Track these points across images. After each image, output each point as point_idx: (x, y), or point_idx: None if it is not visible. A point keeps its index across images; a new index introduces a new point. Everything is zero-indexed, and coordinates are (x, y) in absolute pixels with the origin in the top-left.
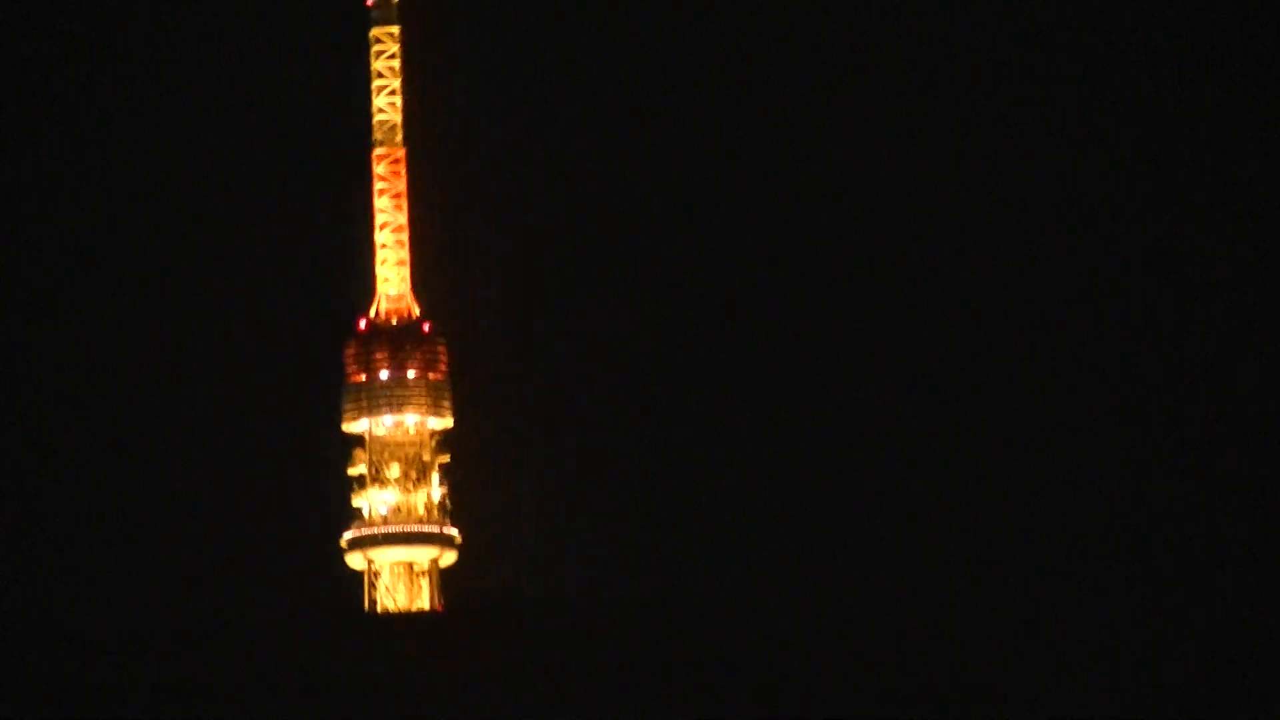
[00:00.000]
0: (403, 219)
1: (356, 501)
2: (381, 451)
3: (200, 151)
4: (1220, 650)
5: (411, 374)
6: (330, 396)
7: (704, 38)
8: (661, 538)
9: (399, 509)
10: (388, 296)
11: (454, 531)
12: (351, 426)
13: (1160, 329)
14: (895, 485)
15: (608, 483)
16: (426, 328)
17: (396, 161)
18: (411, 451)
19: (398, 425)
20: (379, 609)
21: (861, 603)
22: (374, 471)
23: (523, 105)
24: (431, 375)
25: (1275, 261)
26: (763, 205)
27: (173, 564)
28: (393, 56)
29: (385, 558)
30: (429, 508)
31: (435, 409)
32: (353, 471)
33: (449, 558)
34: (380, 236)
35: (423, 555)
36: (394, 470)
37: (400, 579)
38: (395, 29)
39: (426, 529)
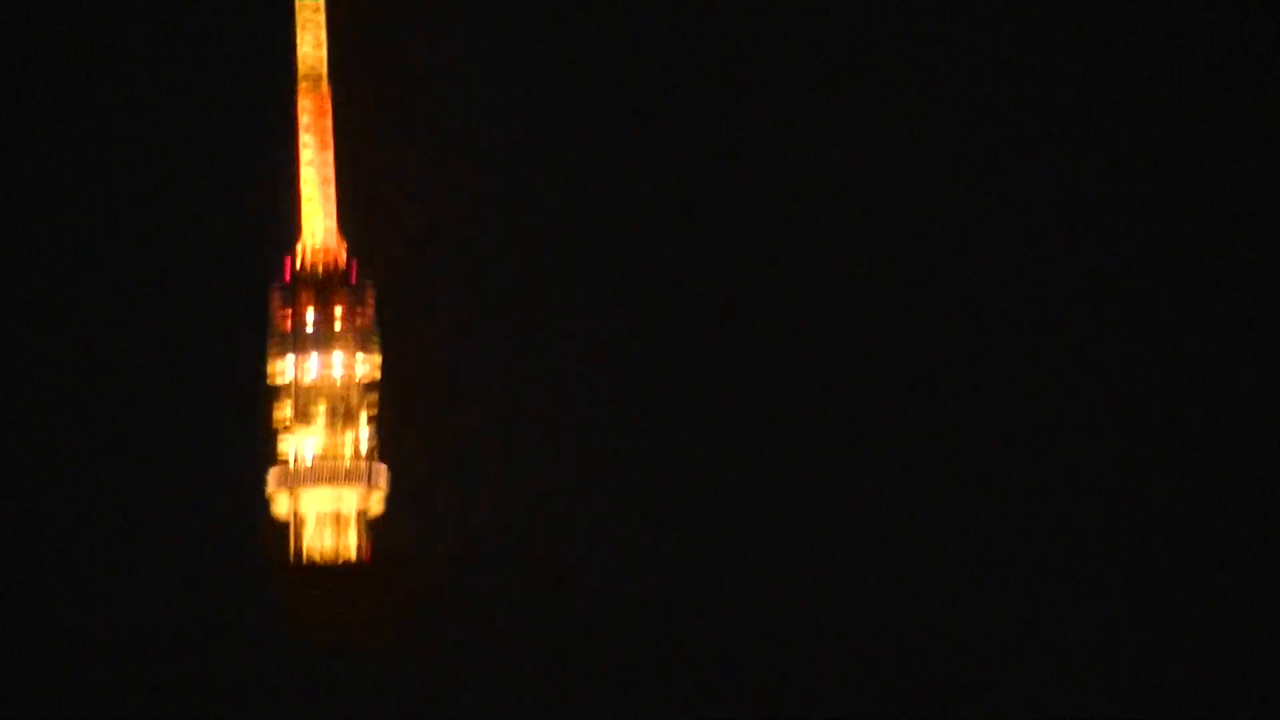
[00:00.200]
0: (329, 160)
1: (282, 447)
2: (308, 397)
3: (121, 94)
4: (1220, 650)
5: (338, 318)
6: (255, 343)
7: (704, 38)
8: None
9: (325, 454)
10: (313, 240)
11: (383, 475)
12: (277, 372)
13: (1160, 329)
14: (895, 485)
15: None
16: (354, 272)
17: (321, 101)
18: (339, 397)
19: (324, 371)
20: (305, 558)
21: (861, 603)
22: (300, 417)
23: (522, 105)
24: (359, 320)
25: (1275, 261)
26: (763, 205)
27: (95, 517)
28: None
29: (312, 504)
30: (356, 452)
31: (363, 354)
32: (278, 417)
33: (377, 506)
34: (306, 178)
35: (350, 502)
36: (320, 416)
37: (327, 526)
38: None
39: (353, 475)
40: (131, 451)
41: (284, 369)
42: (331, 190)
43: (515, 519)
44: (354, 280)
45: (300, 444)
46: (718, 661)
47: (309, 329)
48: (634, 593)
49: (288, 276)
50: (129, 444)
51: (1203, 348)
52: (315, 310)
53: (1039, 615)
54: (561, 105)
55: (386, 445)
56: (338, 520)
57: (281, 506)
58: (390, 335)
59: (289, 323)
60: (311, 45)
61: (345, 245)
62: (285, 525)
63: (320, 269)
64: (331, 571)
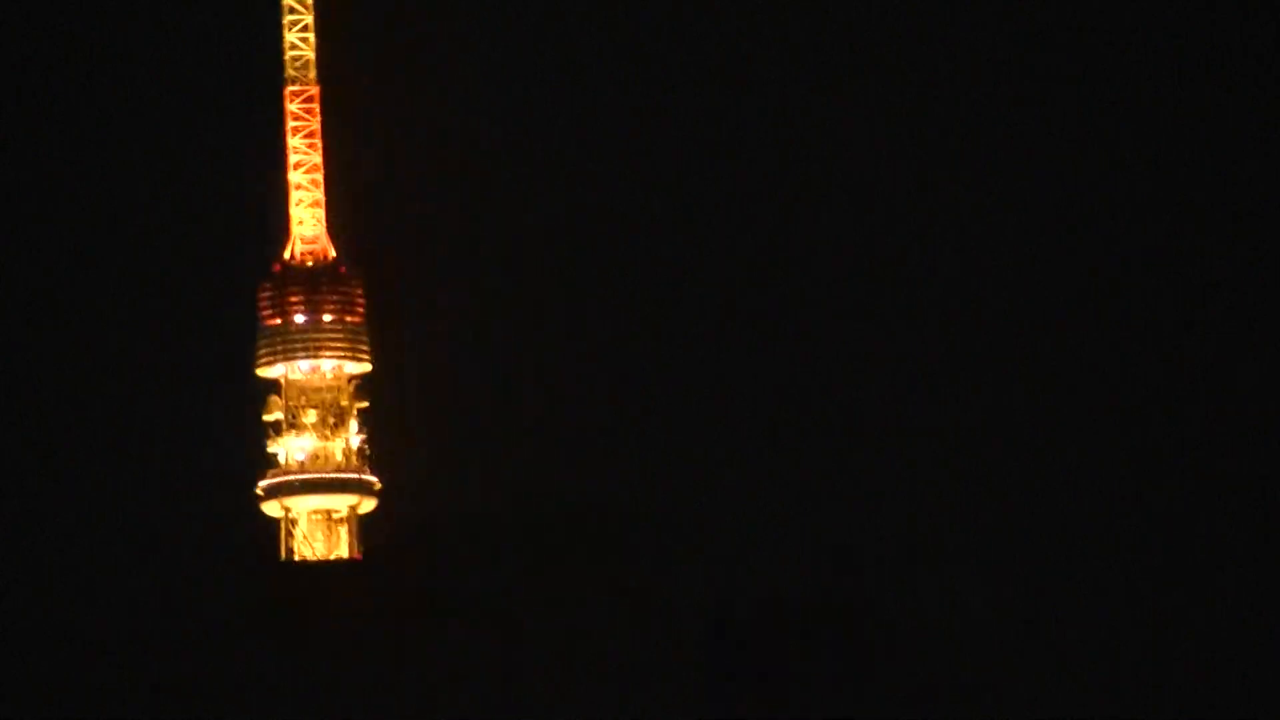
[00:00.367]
0: (317, 158)
1: (272, 448)
2: (298, 397)
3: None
4: (1220, 650)
5: (328, 317)
6: (245, 341)
7: (704, 38)
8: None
9: (316, 455)
10: (303, 238)
11: (373, 478)
12: (266, 371)
13: (1160, 329)
14: (895, 485)
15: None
16: (343, 269)
17: (310, 99)
18: (329, 397)
19: (314, 370)
20: (296, 558)
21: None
22: (290, 418)
23: (522, 104)
24: (349, 318)
25: (1275, 261)
26: (763, 205)
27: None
28: None
29: (302, 505)
30: (347, 454)
31: (353, 353)
32: (268, 418)
33: (368, 505)
34: (294, 176)
35: (341, 503)
36: (311, 416)
37: (319, 527)
38: None
39: (345, 476)
40: (120, 450)
41: (273, 367)
42: (320, 188)
43: (510, 515)
44: (343, 277)
45: (290, 447)
46: (713, 660)
47: (298, 326)
48: (633, 591)
49: (277, 271)
50: (118, 443)
51: (1203, 348)
52: (304, 308)
53: (1039, 615)
54: (560, 105)
55: (377, 442)
56: (329, 519)
57: (273, 506)
58: (380, 333)
59: (278, 319)
60: (301, 44)
61: (334, 244)
62: (276, 524)
63: (309, 266)
64: (322, 569)
